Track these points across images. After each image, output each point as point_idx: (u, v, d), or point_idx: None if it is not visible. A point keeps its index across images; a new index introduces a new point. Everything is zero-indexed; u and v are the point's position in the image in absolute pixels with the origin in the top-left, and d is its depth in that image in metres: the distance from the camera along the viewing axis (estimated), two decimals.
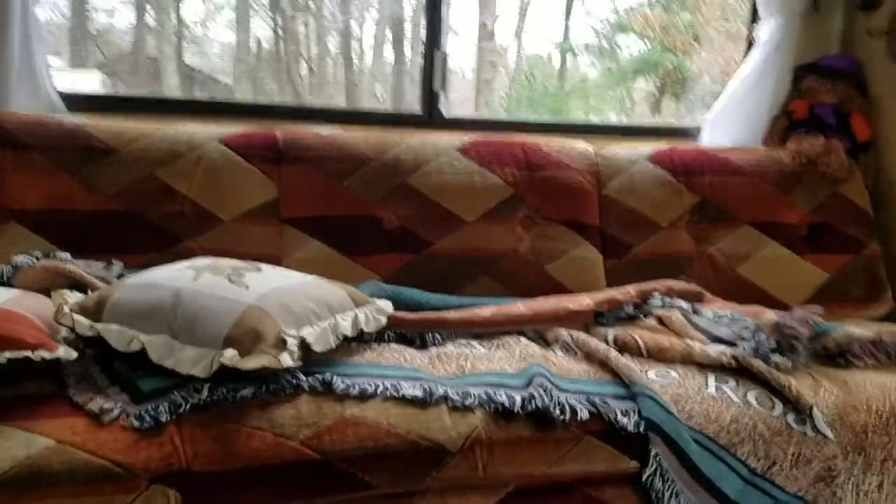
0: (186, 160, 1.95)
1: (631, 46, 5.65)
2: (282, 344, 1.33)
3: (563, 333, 1.72)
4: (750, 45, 2.56)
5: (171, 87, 4.55)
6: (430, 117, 2.43)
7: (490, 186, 2.11)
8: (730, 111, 2.51)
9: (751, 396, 1.50)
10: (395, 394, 1.36)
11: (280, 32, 4.88)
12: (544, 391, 1.40)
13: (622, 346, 1.68)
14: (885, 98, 2.44)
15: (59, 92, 2.08)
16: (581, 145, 2.26)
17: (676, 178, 2.25)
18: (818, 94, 2.45)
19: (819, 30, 2.56)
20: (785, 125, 2.47)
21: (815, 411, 1.47)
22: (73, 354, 1.31)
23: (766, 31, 2.42)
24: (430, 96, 2.42)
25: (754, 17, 2.56)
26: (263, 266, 1.59)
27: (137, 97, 2.63)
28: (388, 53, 4.94)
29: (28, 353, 1.24)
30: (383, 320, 1.63)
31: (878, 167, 2.44)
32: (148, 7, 4.51)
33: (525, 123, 2.64)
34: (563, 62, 5.63)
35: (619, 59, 5.62)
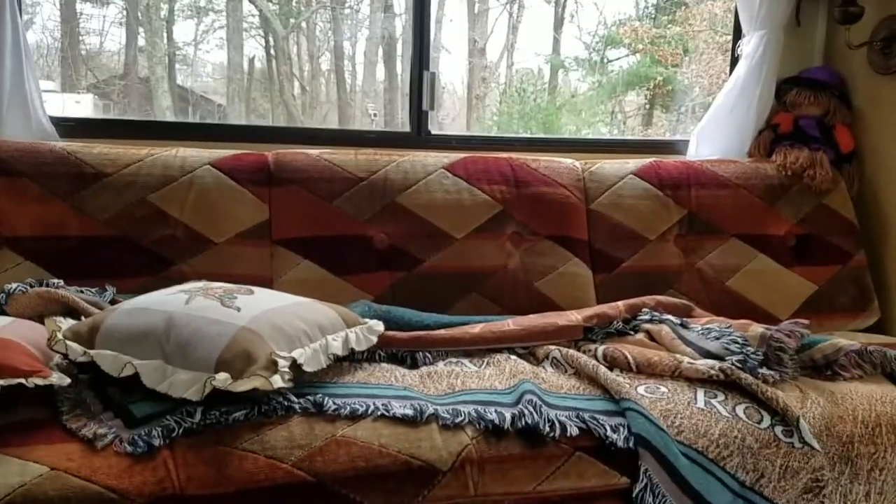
0: (178, 184, 1.97)
1: (621, 60, 5.69)
2: (273, 366, 1.34)
3: (553, 350, 1.74)
4: (734, 60, 2.59)
5: (164, 108, 4.57)
6: (420, 136, 2.45)
7: (478, 203, 2.13)
8: (716, 125, 2.54)
9: (739, 409, 1.52)
10: (385, 413, 1.37)
11: (272, 52, 4.91)
12: (534, 408, 1.41)
13: (611, 362, 1.70)
14: (868, 109, 2.47)
15: (50, 118, 2.10)
16: (568, 161, 2.29)
17: (663, 192, 2.27)
18: (802, 107, 2.48)
19: (801, 43, 2.60)
20: (770, 138, 2.50)
21: (802, 423, 1.49)
22: (67, 381, 1.32)
23: (750, 45, 2.45)
24: (419, 116, 2.45)
25: (738, 31, 2.60)
26: (255, 288, 1.61)
27: (129, 121, 2.65)
28: (380, 71, 4.97)
29: (22, 381, 1.25)
30: (374, 339, 1.64)
31: (862, 178, 2.47)
32: (139, 28, 4.53)
33: (514, 140, 2.66)
34: (554, 76, 5.67)
35: (608, 73, 5.66)
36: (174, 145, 2.07)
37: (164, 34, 4.64)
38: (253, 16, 4.84)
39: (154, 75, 4.56)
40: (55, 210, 1.88)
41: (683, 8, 5.47)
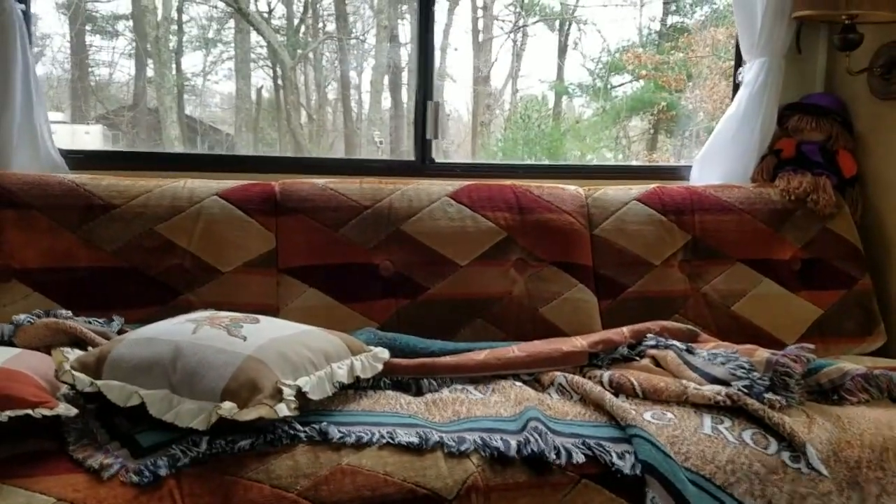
0: (186, 215, 1.99)
1: (624, 86, 5.74)
2: (279, 394, 1.35)
3: (559, 376, 1.74)
4: (736, 86, 2.61)
5: (172, 138, 4.62)
6: (424, 164, 2.48)
7: (482, 230, 2.14)
8: (719, 150, 2.55)
9: (746, 435, 1.51)
10: (391, 441, 1.37)
11: (280, 82, 4.97)
12: (539, 435, 1.41)
13: (617, 388, 1.70)
14: (870, 134, 2.48)
15: (59, 150, 2.13)
16: (571, 188, 2.30)
17: (667, 217, 2.28)
18: (804, 133, 2.49)
19: (802, 70, 2.62)
20: (773, 163, 2.51)
21: (809, 448, 1.48)
22: (73, 411, 1.33)
23: (751, 72, 2.47)
24: (423, 144, 2.47)
25: (739, 58, 2.62)
26: (261, 317, 1.62)
27: (138, 153, 2.69)
28: (386, 100, 5.03)
29: (29, 411, 1.26)
30: (379, 367, 1.65)
31: (866, 202, 2.48)
32: (148, 60, 4.60)
33: (517, 167, 2.68)
34: (558, 102, 5.71)
35: (612, 99, 5.70)
36: (182, 176, 2.09)
37: (173, 65, 4.71)
38: (261, 47, 4.91)
39: (163, 106, 4.62)
40: (64, 242, 1.90)
41: (686, 34, 5.52)
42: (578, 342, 1.85)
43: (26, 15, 2.08)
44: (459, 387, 1.70)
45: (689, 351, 1.83)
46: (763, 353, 1.74)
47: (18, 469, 1.23)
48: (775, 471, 1.45)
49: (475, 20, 5.33)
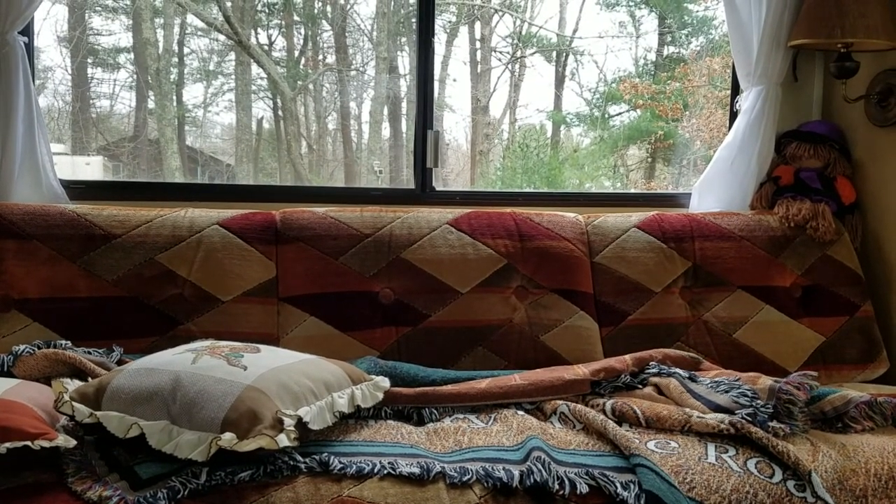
0: (187, 244, 1.99)
1: (622, 115, 5.78)
2: (279, 424, 1.34)
3: (561, 405, 1.73)
4: (734, 114, 2.63)
5: (173, 169, 4.64)
6: (424, 192, 2.49)
7: (483, 258, 2.14)
8: (717, 178, 2.56)
9: (751, 464, 1.50)
10: (392, 472, 1.36)
11: (280, 113, 5.01)
12: (542, 465, 1.40)
13: (620, 416, 1.68)
14: (868, 161, 2.49)
15: (61, 181, 2.14)
16: (571, 215, 2.31)
17: (667, 245, 2.28)
18: (802, 160, 2.50)
19: (799, 98, 2.64)
20: (772, 190, 2.52)
21: (814, 476, 1.46)
22: (72, 443, 1.32)
23: (748, 100, 2.49)
24: (423, 173, 2.49)
25: (736, 87, 2.64)
26: (262, 346, 1.61)
27: (138, 183, 2.70)
28: (385, 130, 5.06)
29: (28, 443, 1.25)
30: (380, 396, 1.64)
31: (866, 228, 2.48)
32: (149, 92, 4.64)
33: (516, 195, 2.69)
34: (556, 132, 5.76)
35: (610, 128, 5.75)
36: (183, 206, 2.10)
37: (174, 97, 4.75)
38: (261, 78, 4.96)
39: (164, 137, 4.65)
40: (64, 271, 1.90)
41: (682, 64, 5.58)
42: (580, 370, 1.84)
43: (29, 48, 2.10)
44: (461, 416, 1.69)
45: (692, 379, 1.82)
46: (766, 381, 1.73)
47: (17, 501, 1.21)
48: (780, 500, 1.43)
49: (473, 52, 5.39)
